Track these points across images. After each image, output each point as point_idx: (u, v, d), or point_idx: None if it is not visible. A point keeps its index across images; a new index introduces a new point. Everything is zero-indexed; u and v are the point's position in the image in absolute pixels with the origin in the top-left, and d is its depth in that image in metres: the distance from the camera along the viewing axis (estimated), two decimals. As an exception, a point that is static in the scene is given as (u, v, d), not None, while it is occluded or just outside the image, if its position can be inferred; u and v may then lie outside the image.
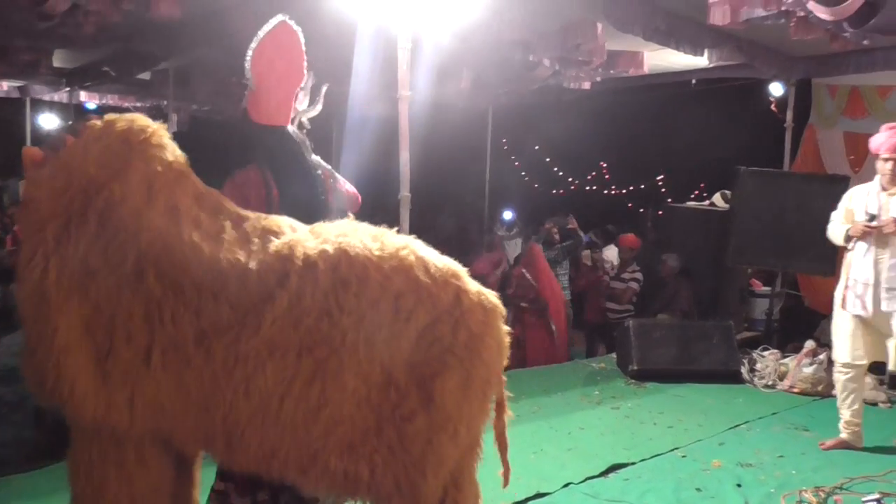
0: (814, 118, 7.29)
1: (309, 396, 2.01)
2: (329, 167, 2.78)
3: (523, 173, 13.90)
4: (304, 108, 2.77)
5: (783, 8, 4.24)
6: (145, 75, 8.30)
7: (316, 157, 2.74)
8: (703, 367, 5.70)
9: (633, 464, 3.95)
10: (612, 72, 6.77)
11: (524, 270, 6.78)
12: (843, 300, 4.12)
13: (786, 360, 5.73)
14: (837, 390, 4.25)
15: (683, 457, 4.11)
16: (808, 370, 5.43)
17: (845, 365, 4.16)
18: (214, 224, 2.10)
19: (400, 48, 4.26)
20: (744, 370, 5.75)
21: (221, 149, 2.74)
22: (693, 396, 5.29)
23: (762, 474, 3.85)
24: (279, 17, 2.59)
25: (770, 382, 5.60)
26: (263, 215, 2.25)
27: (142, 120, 2.14)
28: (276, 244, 2.10)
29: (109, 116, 2.11)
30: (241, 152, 2.63)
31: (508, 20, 5.11)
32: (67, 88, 10.35)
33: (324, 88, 2.98)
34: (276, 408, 1.99)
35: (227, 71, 7.53)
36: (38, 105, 12.81)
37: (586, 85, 7.38)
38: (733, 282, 7.08)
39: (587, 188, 13.76)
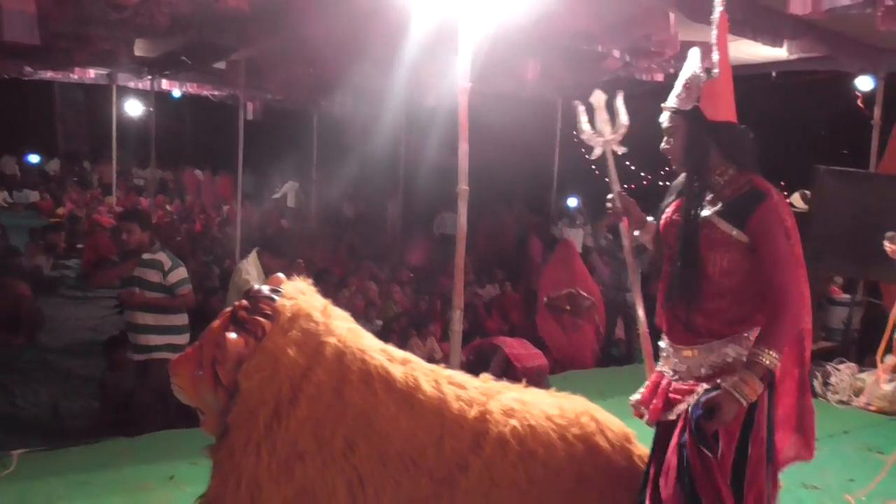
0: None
1: None
2: None
3: (594, 167, 13.58)
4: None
5: (869, -4, 3.95)
6: (220, 65, 8.52)
7: None
8: (772, 377, 5.40)
9: (686, 477, 3.78)
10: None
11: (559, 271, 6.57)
12: None
13: (863, 375, 5.37)
14: None
15: (742, 472, 3.91)
16: (888, 387, 5.05)
17: None
18: (406, 381, 2.13)
19: (461, 37, 4.17)
20: (816, 383, 5.41)
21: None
22: (758, 408, 5.01)
23: (827, 499, 3.62)
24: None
25: (844, 398, 5.26)
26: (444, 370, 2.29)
27: (314, 295, 2.18)
28: (470, 413, 2.15)
29: (290, 295, 2.12)
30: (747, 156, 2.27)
31: (573, 10, 4.94)
32: (149, 77, 10.79)
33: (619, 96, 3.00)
34: None
35: (296, 62, 7.65)
36: (124, 92, 13.41)
37: (659, 77, 7.12)
38: (810, 288, 6.69)
39: (660, 183, 13.31)
